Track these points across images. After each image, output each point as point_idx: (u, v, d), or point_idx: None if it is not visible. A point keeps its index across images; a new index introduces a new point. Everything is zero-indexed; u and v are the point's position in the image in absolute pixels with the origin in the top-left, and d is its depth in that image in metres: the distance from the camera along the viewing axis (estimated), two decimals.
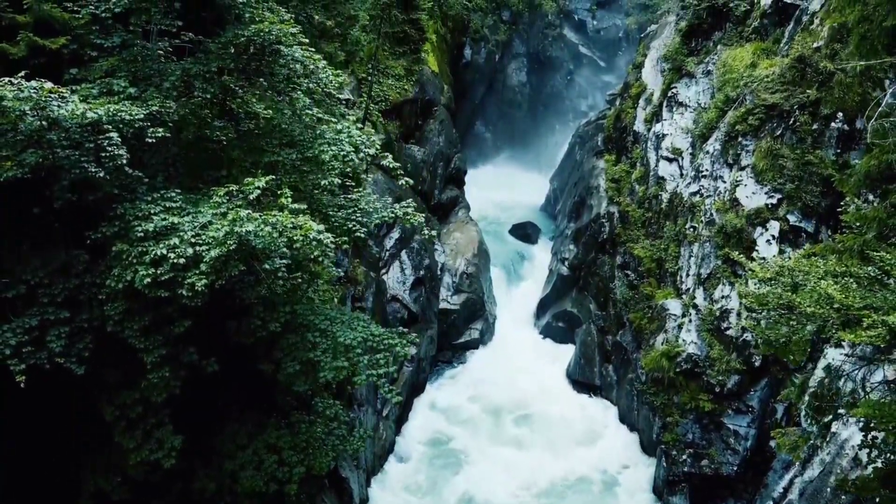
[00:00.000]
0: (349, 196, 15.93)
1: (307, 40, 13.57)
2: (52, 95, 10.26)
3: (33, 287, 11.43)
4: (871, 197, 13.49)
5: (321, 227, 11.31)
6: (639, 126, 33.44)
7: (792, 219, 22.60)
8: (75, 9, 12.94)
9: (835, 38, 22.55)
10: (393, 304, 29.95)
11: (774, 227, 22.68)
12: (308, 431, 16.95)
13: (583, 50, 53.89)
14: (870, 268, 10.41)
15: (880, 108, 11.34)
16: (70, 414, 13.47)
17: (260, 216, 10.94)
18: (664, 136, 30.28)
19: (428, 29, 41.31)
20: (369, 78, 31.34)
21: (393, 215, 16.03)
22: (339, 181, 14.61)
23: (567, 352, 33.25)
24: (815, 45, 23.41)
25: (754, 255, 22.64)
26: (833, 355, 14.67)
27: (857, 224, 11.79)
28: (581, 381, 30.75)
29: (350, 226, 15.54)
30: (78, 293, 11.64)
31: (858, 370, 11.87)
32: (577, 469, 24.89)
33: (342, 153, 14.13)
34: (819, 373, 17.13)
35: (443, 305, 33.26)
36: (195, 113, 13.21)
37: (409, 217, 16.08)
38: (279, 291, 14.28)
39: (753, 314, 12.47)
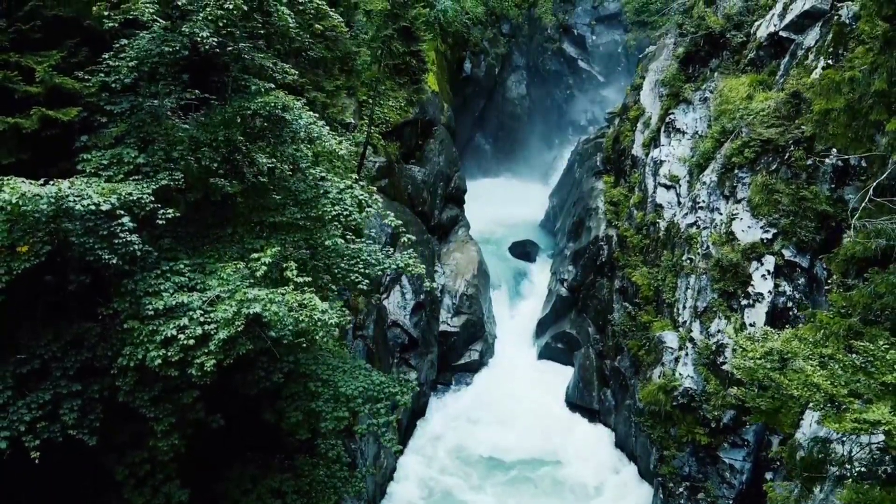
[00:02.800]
0: (352, 247, 16.23)
1: (312, 112, 13.89)
2: (70, 190, 10.57)
3: (46, 361, 11.81)
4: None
5: (326, 305, 11.67)
6: (637, 150, 33.77)
7: (787, 254, 22.93)
8: (86, 77, 13.27)
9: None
10: (394, 329, 30.30)
11: (770, 261, 23.02)
12: (311, 474, 17.29)
13: (582, 64, 54.20)
14: (854, 356, 10.77)
15: (863, 204, 11.71)
16: (78, 470, 13.79)
17: (267, 294, 11.29)
18: (662, 162, 30.61)
19: (428, 50, 41.65)
20: (370, 101, 31.64)
21: (396, 266, 16.35)
22: (343, 241, 14.95)
23: (566, 373, 33.59)
24: (809, 80, 23.78)
25: (750, 289, 23.02)
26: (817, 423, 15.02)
27: (843, 306, 12.15)
28: (579, 404, 31.12)
29: (353, 278, 15.87)
30: (90, 365, 12.01)
31: (846, 437, 12.24)
32: None
33: (345, 212, 14.49)
34: (808, 417, 17.48)
35: (443, 328, 33.57)
36: (203, 173, 13.54)
37: (410, 268, 16.42)
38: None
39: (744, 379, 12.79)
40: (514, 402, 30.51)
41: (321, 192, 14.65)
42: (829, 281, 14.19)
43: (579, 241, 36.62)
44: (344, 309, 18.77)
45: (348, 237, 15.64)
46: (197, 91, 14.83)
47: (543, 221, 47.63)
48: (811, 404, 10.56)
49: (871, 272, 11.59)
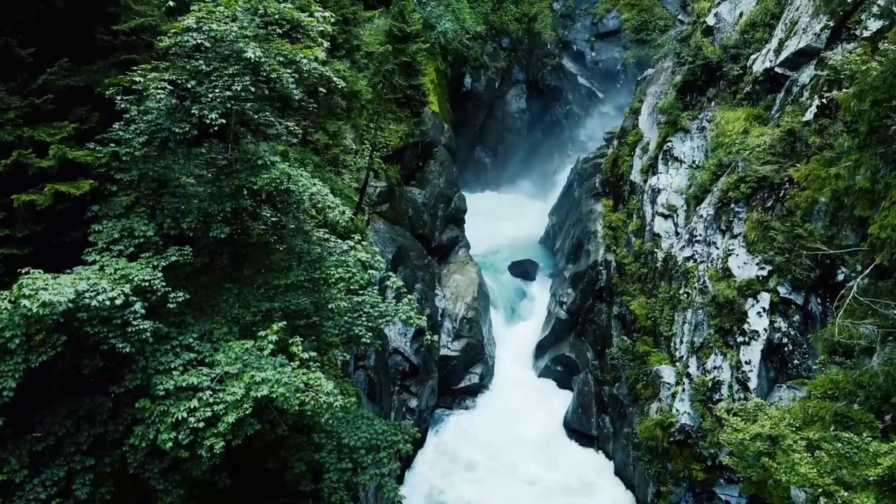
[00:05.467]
0: (355, 299, 16.61)
1: (319, 182, 14.25)
2: (86, 286, 10.93)
3: (61, 437, 12.19)
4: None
5: (331, 385, 12.05)
6: (635, 176, 34.13)
7: (782, 291, 23.25)
8: (97, 148, 13.64)
9: (823, 115, 23.47)
10: (395, 356, 30.69)
11: (765, 298, 23.35)
12: None
13: (581, 80, 54.50)
14: (839, 444, 11.17)
15: (847, 301, 12.09)
16: None
17: (274, 375, 11.66)
18: (660, 190, 30.94)
19: (428, 69, 42.05)
20: (370, 126, 31.98)
21: (399, 319, 16.71)
22: (346, 304, 15.33)
23: (565, 395, 33.97)
24: (804, 119, 24.13)
25: (745, 326, 23.37)
26: None
27: (830, 388, 12.53)
28: (578, 430, 31.48)
29: (356, 331, 16.27)
30: (101, 438, 12.39)
31: None
32: None
33: (348, 275, 14.87)
34: None
35: (443, 352, 33.95)
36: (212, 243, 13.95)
37: (411, 320, 16.80)
38: None
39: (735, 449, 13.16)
40: (514, 432, 30.81)
41: (325, 252, 15.03)
42: (819, 360, 14.54)
43: (578, 264, 37.00)
44: (346, 355, 19.21)
45: (351, 286, 15.98)
46: (203, 149, 15.26)
47: (543, 238, 47.97)
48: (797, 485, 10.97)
49: (856, 360, 12.02)
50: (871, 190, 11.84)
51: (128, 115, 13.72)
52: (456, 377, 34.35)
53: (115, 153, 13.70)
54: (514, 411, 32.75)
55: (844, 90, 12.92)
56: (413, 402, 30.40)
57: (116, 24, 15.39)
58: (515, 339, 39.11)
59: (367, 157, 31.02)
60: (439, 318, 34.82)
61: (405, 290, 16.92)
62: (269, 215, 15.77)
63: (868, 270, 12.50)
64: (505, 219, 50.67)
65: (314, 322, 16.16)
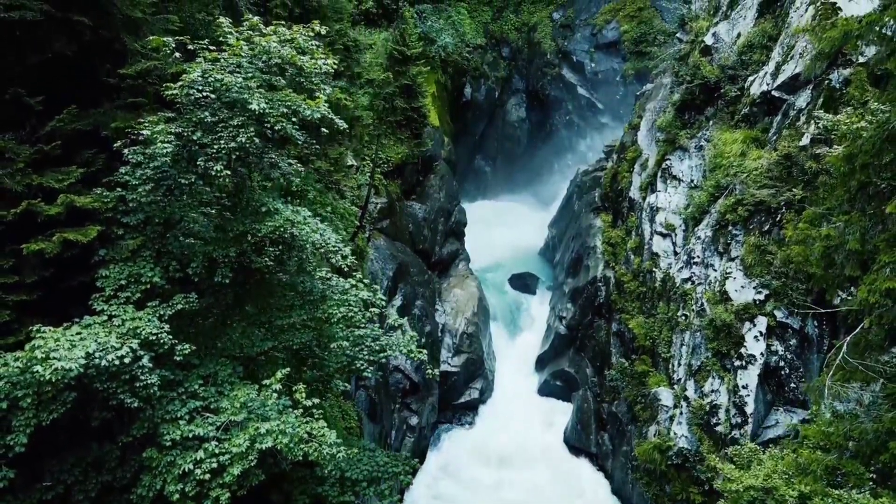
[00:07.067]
0: (356, 332, 16.88)
1: (321, 226, 14.49)
2: (95, 345, 11.19)
3: (69, 486, 12.45)
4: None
5: (334, 434, 12.31)
6: (634, 193, 34.37)
7: (779, 315, 23.55)
8: (104, 193, 13.89)
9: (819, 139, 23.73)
10: (395, 374, 30.97)
11: (762, 322, 23.63)
12: None
13: (581, 91, 54.68)
14: (829, 499, 11.44)
15: (841, 355, 12.39)
16: None
17: (278, 426, 11.94)
18: (658, 209, 31.18)
19: (429, 83, 42.35)
20: (372, 144, 32.25)
21: (400, 352, 16.98)
22: (347, 343, 15.60)
23: (565, 409, 34.22)
24: (800, 143, 24.40)
25: (743, 350, 23.64)
26: None
27: (822, 440, 12.79)
28: (577, 446, 31.77)
29: (358, 365, 16.54)
30: (109, 485, 12.65)
31: None
32: None
33: (350, 314, 15.14)
34: None
35: (443, 367, 34.21)
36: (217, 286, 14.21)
37: (413, 353, 17.07)
38: None
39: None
40: (513, 448, 31.08)
41: (328, 291, 15.30)
42: (811, 412, 14.78)
43: (577, 279, 37.23)
44: (346, 385, 19.47)
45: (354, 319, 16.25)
46: (207, 188, 15.49)
47: (543, 250, 48.18)
48: None
49: (846, 412, 12.28)
50: (860, 251, 12.10)
51: (134, 160, 13.96)
52: (456, 392, 34.61)
53: (121, 197, 13.96)
54: (514, 427, 33.03)
55: (835, 148, 13.21)
56: (413, 420, 30.67)
57: (122, 62, 15.62)
58: (516, 353, 39.35)
59: (368, 174, 31.30)
60: (439, 334, 35.05)
61: (405, 318, 17.19)
62: (272, 250, 15.99)
63: (857, 331, 12.78)
64: (504, 227, 50.98)
65: (316, 354, 16.46)
